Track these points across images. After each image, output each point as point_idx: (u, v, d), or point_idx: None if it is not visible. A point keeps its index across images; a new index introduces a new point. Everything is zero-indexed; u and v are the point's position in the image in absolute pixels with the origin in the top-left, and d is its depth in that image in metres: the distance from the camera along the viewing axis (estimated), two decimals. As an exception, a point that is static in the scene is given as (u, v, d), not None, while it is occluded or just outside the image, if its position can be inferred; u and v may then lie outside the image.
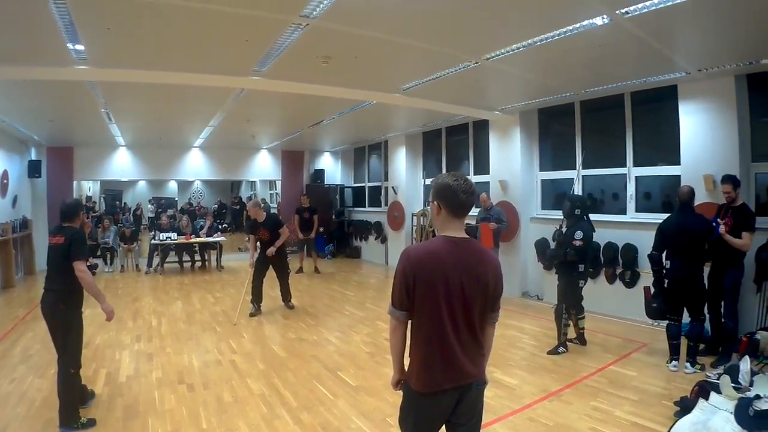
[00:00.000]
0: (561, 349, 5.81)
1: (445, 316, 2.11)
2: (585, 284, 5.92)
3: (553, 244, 6.37)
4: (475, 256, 2.18)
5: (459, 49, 5.57)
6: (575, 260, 5.71)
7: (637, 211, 7.53)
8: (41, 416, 4.13)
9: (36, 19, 4.42)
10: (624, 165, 7.68)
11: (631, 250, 7.22)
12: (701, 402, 3.81)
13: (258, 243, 8.01)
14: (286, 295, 8.21)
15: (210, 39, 5.24)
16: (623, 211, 7.70)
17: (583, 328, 6.08)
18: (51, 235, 4.12)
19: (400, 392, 2.36)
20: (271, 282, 8.03)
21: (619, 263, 7.41)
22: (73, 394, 4.00)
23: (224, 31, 4.95)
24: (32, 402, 4.45)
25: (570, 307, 5.86)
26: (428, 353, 2.16)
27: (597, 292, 7.38)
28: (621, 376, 5.06)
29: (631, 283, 7.22)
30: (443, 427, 2.29)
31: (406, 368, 2.31)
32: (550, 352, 5.81)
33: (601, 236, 7.09)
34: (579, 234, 5.66)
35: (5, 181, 10.52)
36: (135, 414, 4.22)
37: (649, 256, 5.49)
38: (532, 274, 9.15)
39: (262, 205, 8.37)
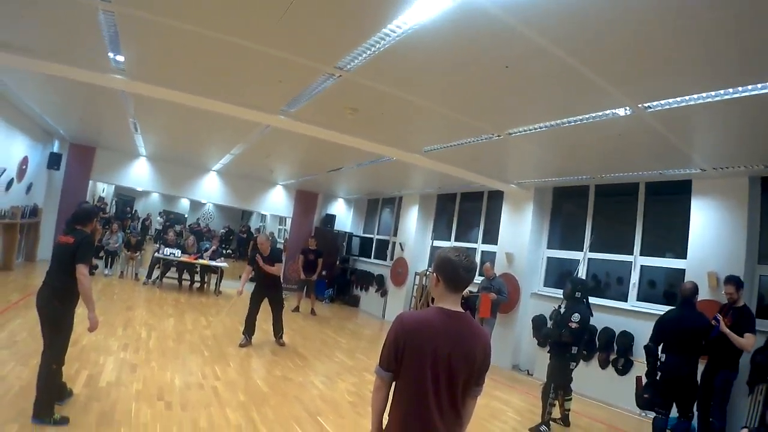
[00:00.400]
0: (543, 427, 5.71)
1: (429, 384, 2.14)
2: (576, 366, 5.89)
3: (550, 323, 6.38)
4: (467, 331, 2.22)
5: (484, 121, 5.76)
6: (569, 342, 5.71)
7: (638, 299, 7.52)
8: (16, 404, 4.10)
9: (84, 24, 4.66)
10: (631, 252, 7.74)
11: (627, 338, 7.17)
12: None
13: (254, 274, 7.97)
14: (278, 330, 8.14)
15: (246, 74, 5.48)
16: (624, 298, 7.70)
17: (568, 410, 6.01)
18: (62, 234, 4.24)
19: None
20: (265, 315, 7.98)
21: (613, 349, 7.34)
22: (51, 389, 3.99)
23: (261, 69, 5.19)
24: (10, 388, 4.44)
25: (558, 387, 5.81)
26: (407, 417, 2.18)
27: (588, 376, 7.30)
28: (601, 466, 4.97)
29: (623, 370, 7.12)
30: None
31: (383, 427, 2.32)
32: (531, 429, 5.70)
33: (599, 320, 7.08)
34: (576, 317, 5.68)
35: (24, 167, 10.73)
36: (109, 421, 4.18)
37: (646, 347, 5.48)
38: (525, 348, 9.08)
39: (270, 239, 8.40)
